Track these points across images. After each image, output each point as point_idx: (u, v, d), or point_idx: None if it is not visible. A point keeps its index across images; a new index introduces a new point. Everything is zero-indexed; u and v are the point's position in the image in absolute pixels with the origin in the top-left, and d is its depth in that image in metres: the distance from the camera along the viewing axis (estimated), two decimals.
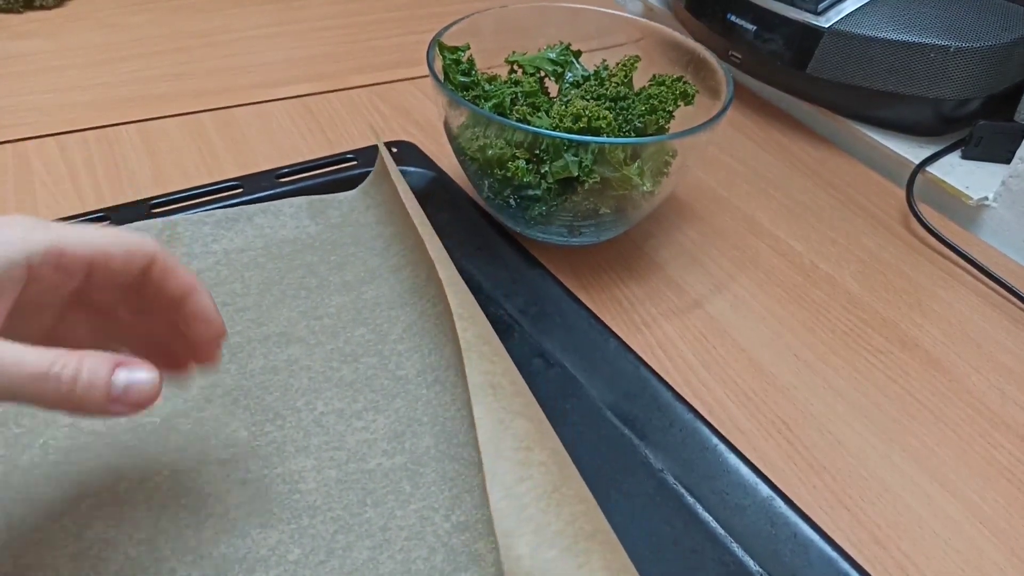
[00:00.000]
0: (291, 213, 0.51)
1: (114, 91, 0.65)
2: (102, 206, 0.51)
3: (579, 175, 0.46)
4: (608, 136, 0.46)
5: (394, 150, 0.58)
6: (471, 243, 0.52)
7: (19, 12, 0.74)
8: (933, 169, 0.61)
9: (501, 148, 0.47)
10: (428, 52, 0.51)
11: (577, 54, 0.55)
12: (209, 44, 0.73)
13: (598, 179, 0.45)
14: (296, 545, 0.35)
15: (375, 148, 0.57)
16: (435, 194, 0.55)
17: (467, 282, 0.48)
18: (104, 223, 0.49)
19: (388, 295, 0.47)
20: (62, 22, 0.74)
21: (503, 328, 0.47)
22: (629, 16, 0.58)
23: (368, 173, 0.54)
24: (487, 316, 0.46)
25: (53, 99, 0.63)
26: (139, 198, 0.52)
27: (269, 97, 0.66)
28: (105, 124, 0.61)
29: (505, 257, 0.51)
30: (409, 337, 0.44)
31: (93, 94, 0.64)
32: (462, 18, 0.54)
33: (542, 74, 0.55)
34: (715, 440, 0.40)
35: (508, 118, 0.50)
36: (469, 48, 0.53)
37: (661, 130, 0.51)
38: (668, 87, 0.51)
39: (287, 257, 0.49)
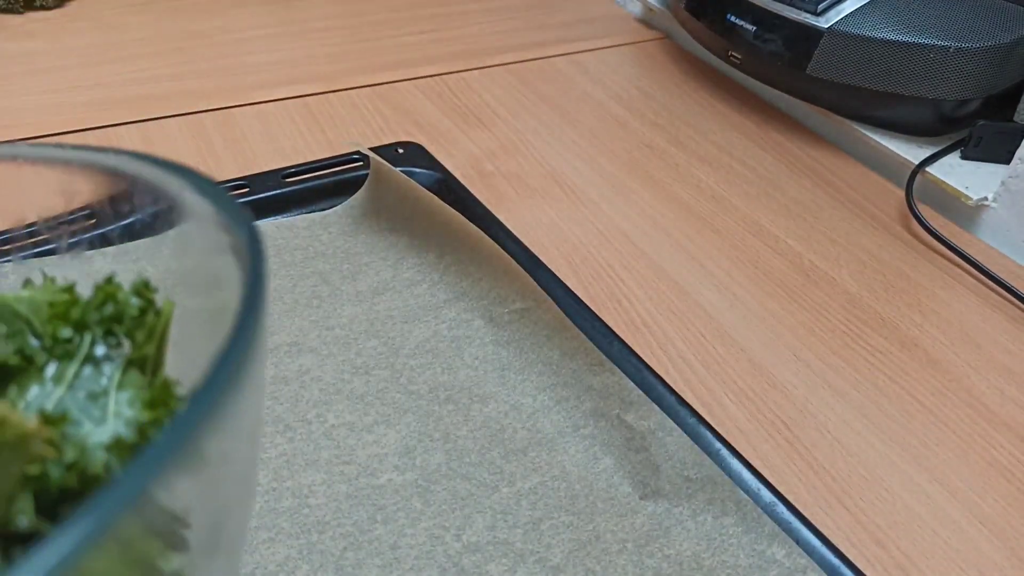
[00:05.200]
0: (304, 226, 0.51)
1: (114, 91, 0.65)
2: None
3: None
4: None
5: (400, 151, 0.58)
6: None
7: (19, 12, 0.74)
8: (933, 169, 0.61)
9: None
10: None
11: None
12: (209, 44, 0.73)
13: None
14: (304, 561, 0.34)
15: (381, 149, 0.57)
16: (441, 195, 0.55)
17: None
18: None
19: (401, 308, 0.47)
20: (62, 22, 0.74)
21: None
22: None
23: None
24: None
25: (53, 99, 0.63)
26: None
27: (269, 97, 0.66)
28: (105, 124, 0.61)
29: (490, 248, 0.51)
30: (422, 353, 0.44)
31: (93, 94, 0.64)
32: None
33: None
34: (718, 445, 0.40)
35: None
36: None
37: None
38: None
39: (299, 265, 0.48)
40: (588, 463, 0.39)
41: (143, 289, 0.23)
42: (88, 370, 0.22)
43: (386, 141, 0.61)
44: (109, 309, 0.23)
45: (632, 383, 0.42)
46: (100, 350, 0.23)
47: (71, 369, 0.22)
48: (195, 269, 0.25)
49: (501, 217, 0.54)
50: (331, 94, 0.67)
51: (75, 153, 0.27)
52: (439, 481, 0.38)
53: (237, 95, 0.66)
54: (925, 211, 0.59)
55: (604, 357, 0.43)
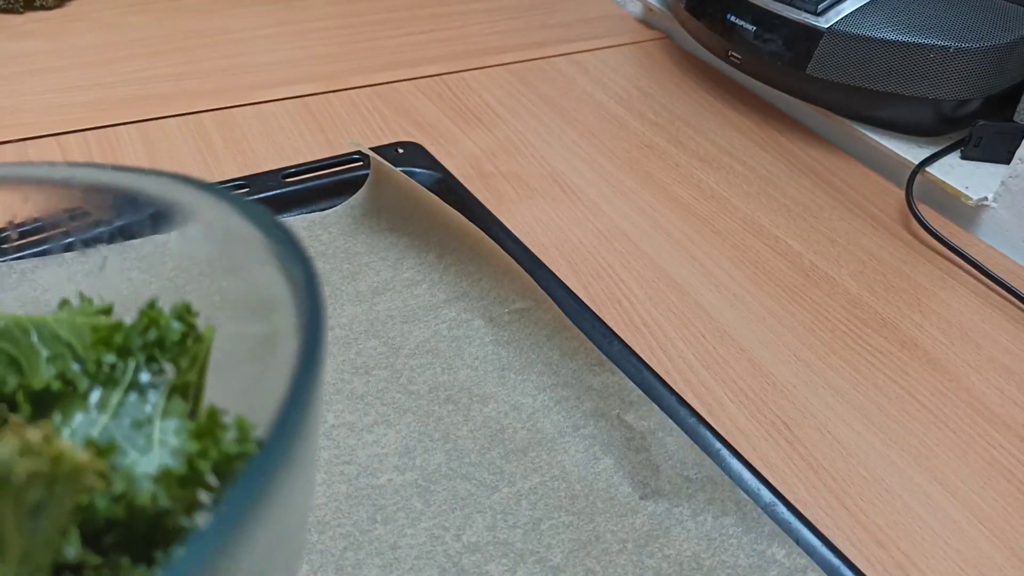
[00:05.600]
0: (304, 227, 0.51)
1: (114, 91, 0.65)
2: None
3: None
4: None
5: (400, 151, 0.58)
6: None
7: (19, 12, 0.74)
8: (933, 169, 0.61)
9: None
10: None
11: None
12: (209, 44, 0.73)
13: None
14: (304, 561, 0.34)
15: (381, 150, 0.57)
16: (441, 195, 0.55)
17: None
18: None
19: (401, 308, 0.47)
20: (62, 22, 0.74)
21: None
22: None
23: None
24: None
25: (53, 99, 0.63)
26: None
27: (269, 97, 0.66)
28: (105, 124, 0.61)
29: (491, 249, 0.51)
30: (422, 353, 0.44)
31: (93, 94, 0.64)
32: None
33: None
34: (718, 445, 0.40)
35: None
36: None
37: None
38: None
39: None
40: (588, 463, 0.39)
41: (185, 314, 0.23)
42: (132, 397, 0.22)
43: (386, 141, 0.61)
44: (152, 335, 0.23)
45: (632, 383, 0.42)
46: (144, 377, 0.22)
47: (115, 396, 0.22)
48: (239, 295, 0.25)
49: (501, 217, 0.54)
50: (331, 94, 0.67)
51: (115, 175, 0.26)
52: (439, 481, 0.38)
53: (237, 95, 0.66)
54: (925, 211, 0.59)
55: (604, 357, 0.43)
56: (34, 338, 0.23)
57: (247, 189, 0.53)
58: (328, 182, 0.55)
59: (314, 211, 0.53)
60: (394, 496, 0.37)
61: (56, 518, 0.18)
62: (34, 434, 0.17)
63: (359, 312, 0.46)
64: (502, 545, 0.36)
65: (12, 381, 0.22)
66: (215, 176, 0.56)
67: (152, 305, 0.23)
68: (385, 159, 0.53)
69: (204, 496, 0.21)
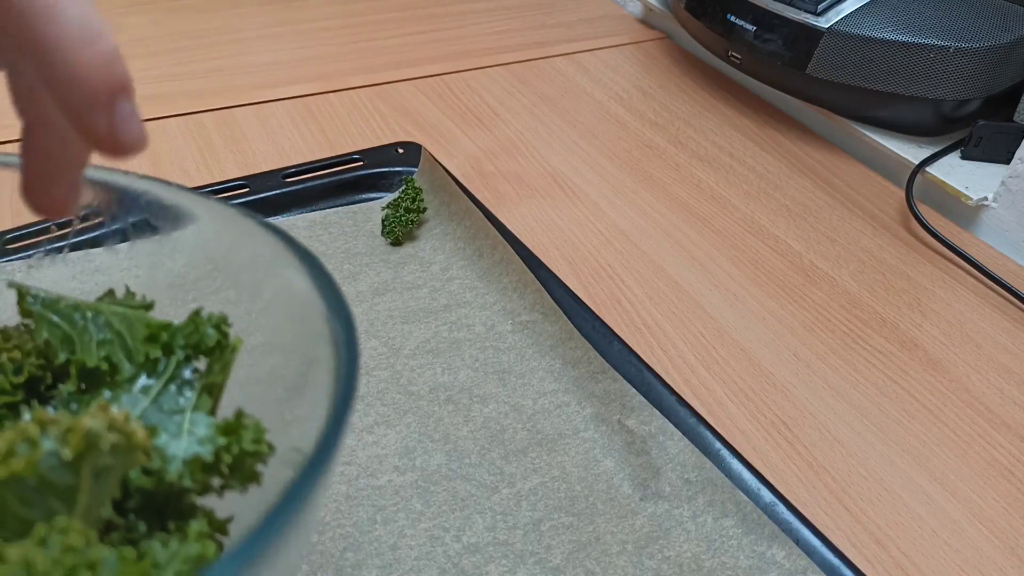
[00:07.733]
0: (304, 226, 0.51)
1: None
2: None
3: None
4: None
5: (400, 151, 0.58)
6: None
7: None
8: (933, 169, 0.61)
9: None
10: None
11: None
12: (209, 44, 0.73)
13: None
14: (304, 562, 0.35)
15: (381, 149, 0.58)
16: None
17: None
18: None
19: (401, 309, 0.47)
20: None
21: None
22: None
23: (374, 174, 0.54)
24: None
25: None
26: None
27: (269, 97, 0.66)
28: None
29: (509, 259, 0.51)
30: (422, 354, 0.44)
31: None
32: None
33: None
34: (718, 445, 0.40)
35: None
36: None
37: None
38: None
39: None
40: (588, 465, 0.39)
41: (221, 324, 0.27)
42: (172, 388, 0.26)
43: (386, 141, 0.61)
44: (194, 337, 0.26)
45: (634, 389, 0.42)
46: (187, 373, 0.26)
47: (157, 385, 0.25)
48: (276, 323, 0.28)
49: (501, 217, 0.54)
50: (331, 94, 0.67)
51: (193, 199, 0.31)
52: (439, 482, 0.38)
53: (237, 95, 0.66)
54: (925, 211, 0.59)
55: (607, 365, 0.43)
56: (90, 323, 0.26)
57: (247, 189, 0.53)
58: (328, 182, 0.55)
59: (314, 211, 0.53)
60: (394, 497, 0.37)
61: (111, 482, 0.21)
62: (118, 414, 0.20)
63: (359, 312, 0.46)
64: (502, 546, 0.36)
65: (63, 356, 0.26)
66: (215, 176, 0.56)
67: (197, 313, 0.27)
68: (385, 159, 0.53)
69: (216, 482, 0.24)
